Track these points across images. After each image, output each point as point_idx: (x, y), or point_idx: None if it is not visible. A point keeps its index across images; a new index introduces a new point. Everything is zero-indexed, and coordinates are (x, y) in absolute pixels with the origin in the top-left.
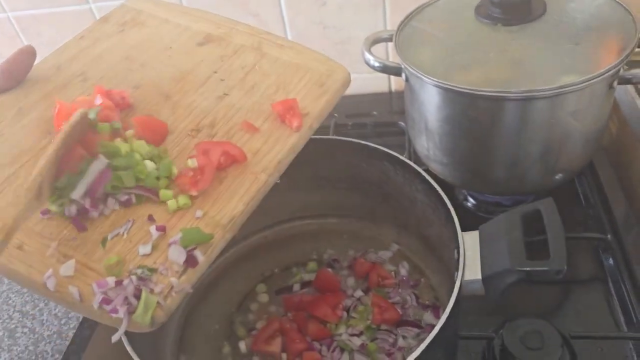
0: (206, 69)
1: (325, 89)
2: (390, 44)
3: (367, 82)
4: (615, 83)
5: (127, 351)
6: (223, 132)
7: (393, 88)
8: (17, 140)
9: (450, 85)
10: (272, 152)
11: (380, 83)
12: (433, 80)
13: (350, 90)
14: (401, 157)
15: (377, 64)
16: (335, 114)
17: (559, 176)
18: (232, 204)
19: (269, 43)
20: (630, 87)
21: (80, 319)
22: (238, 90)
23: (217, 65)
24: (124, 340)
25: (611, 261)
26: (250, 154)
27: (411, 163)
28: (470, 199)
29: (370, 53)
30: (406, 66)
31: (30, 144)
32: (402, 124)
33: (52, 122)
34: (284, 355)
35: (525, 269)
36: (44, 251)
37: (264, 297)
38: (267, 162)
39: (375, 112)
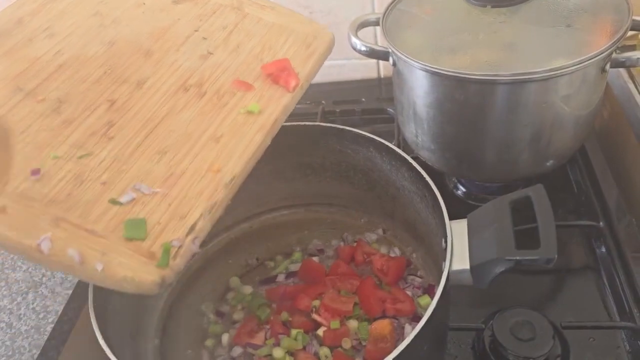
0: (185, 27)
1: (312, 50)
2: (378, 28)
3: (355, 68)
4: (607, 66)
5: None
6: (212, 91)
7: (382, 74)
8: None
9: (438, 68)
10: (267, 111)
11: (369, 69)
12: (421, 63)
13: (338, 77)
14: (387, 144)
15: (364, 48)
16: (323, 101)
17: (550, 162)
18: (231, 164)
19: (249, 3)
20: (622, 71)
21: (59, 313)
22: (222, 50)
23: (196, 24)
24: (98, 335)
25: (603, 249)
26: (243, 114)
27: (398, 150)
28: (460, 187)
29: (357, 37)
30: (394, 50)
31: None
32: (391, 110)
33: (21, 77)
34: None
35: (514, 258)
36: (31, 213)
37: (247, 289)
38: (262, 121)
39: (363, 99)
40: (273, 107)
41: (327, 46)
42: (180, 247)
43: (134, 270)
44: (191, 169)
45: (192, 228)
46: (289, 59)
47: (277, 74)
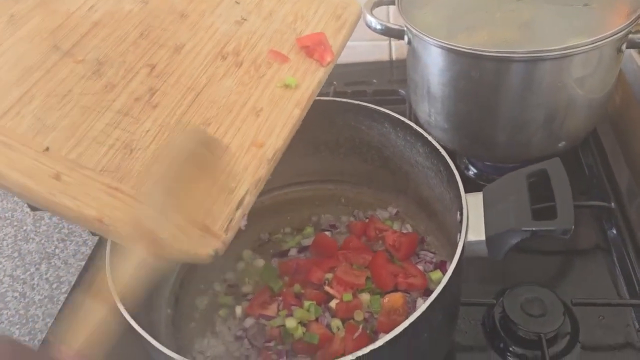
0: None
1: (343, 22)
2: (392, 8)
3: (367, 50)
4: (623, 47)
5: (122, 318)
6: (249, 60)
7: (394, 56)
8: (20, 55)
9: (454, 45)
10: (303, 86)
11: (381, 51)
12: (437, 40)
13: (350, 58)
14: (403, 119)
15: (379, 27)
16: (334, 82)
17: (562, 144)
18: (272, 139)
19: None
20: (636, 56)
21: (72, 284)
22: (255, 16)
23: None
24: (118, 303)
25: (614, 230)
26: (281, 88)
27: (413, 125)
28: (472, 168)
29: (373, 15)
30: (409, 27)
31: (36, 59)
32: (403, 92)
33: (57, 34)
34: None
35: (530, 228)
36: (86, 182)
37: (259, 262)
38: (299, 95)
39: (375, 81)
40: (309, 81)
41: (356, 18)
42: (231, 220)
43: (189, 242)
44: (235, 143)
45: (240, 203)
46: (324, 32)
47: (313, 47)
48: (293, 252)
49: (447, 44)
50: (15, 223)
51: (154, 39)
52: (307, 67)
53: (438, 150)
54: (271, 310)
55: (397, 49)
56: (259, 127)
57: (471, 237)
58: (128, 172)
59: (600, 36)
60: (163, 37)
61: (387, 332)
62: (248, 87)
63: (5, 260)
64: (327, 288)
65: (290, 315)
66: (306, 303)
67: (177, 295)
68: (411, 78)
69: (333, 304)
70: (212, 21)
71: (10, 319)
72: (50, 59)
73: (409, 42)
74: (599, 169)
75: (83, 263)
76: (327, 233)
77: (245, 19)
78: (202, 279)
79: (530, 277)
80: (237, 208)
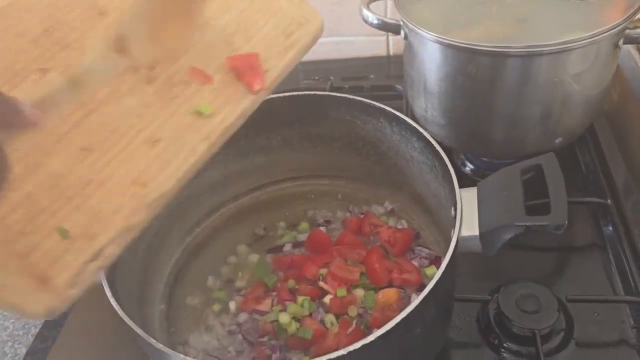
0: None
1: (293, 42)
2: (389, 3)
3: (364, 45)
4: (620, 42)
5: (114, 312)
6: (164, 77)
7: (391, 52)
8: None
9: (451, 40)
10: (219, 115)
11: (378, 46)
12: (434, 35)
13: (347, 54)
14: (398, 114)
15: (375, 21)
16: (331, 77)
17: (558, 140)
18: (161, 178)
19: None
20: (633, 53)
21: None
22: None
23: None
24: (111, 299)
25: (610, 227)
26: (191, 115)
27: (408, 119)
28: (468, 164)
29: (369, 9)
30: (406, 22)
31: None
32: (400, 87)
33: None
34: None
35: (524, 223)
36: None
37: (253, 257)
38: (211, 127)
39: (372, 76)
40: (229, 110)
41: (312, 38)
42: (80, 274)
43: (20, 295)
44: (115, 179)
45: (98, 253)
46: (259, 51)
47: (242, 70)
48: (288, 247)
49: (443, 38)
50: None
51: (58, 38)
52: (232, 93)
53: (433, 145)
54: (265, 305)
55: (395, 44)
56: (149, 162)
57: (465, 233)
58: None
59: (597, 31)
60: (70, 37)
61: (380, 327)
62: (152, 110)
63: None
64: (321, 283)
65: (284, 310)
66: (300, 298)
67: (171, 289)
68: (407, 73)
69: (327, 299)
70: None
71: (3, 312)
72: None
73: (406, 37)
74: (596, 165)
75: None
76: (322, 228)
77: None
78: (197, 273)
79: (526, 274)
80: (93, 260)
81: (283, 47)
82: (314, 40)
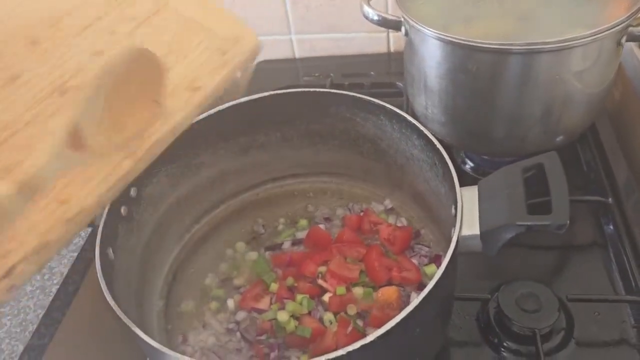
0: (89, 12)
1: (227, 60)
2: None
3: (365, 42)
4: (623, 40)
5: (112, 310)
6: None
7: (392, 49)
8: None
9: (452, 37)
10: (147, 130)
11: (379, 43)
12: (434, 32)
13: (347, 50)
14: (398, 111)
15: (376, 17)
16: (332, 74)
17: (560, 138)
18: (82, 193)
19: None
20: (636, 50)
21: (64, 275)
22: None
23: (103, 10)
24: (108, 296)
25: (611, 226)
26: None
27: (408, 117)
28: (468, 162)
29: (370, 6)
30: (407, 18)
31: None
32: (400, 84)
33: None
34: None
35: (525, 223)
36: None
37: (252, 255)
38: (137, 143)
39: (372, 73)
40: (156, 126)
41: (247, 56)
42: None
43: None
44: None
45: (9, 271)
46: (192, 67)
47: None
48: (287, 244)
49: (444, 35)
50: None
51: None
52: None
53: (433, 142)
54: (263, 303)
55: (396, 41)
56: (71, 178)
57: (466, 232)
58: None
59: (599, 28)
60: (5, 63)
61: (380, 326)
62: None
63: None
64: (320, 281)
65: (283, 308)
66: (299, 296)
67: (169, 287)
68: (408, 71)
69: (326, 297)
70: (65, 51)
71: (1, 310)
72: None
73: (406, 34)
74: (597, 164)
75: (75, 254)
76: (321, 226)
77: (103, 51)
78: (195, 271)
79: (526, 273)
80: (4, 277)
81: (217, 65)
82: (251, 56)
